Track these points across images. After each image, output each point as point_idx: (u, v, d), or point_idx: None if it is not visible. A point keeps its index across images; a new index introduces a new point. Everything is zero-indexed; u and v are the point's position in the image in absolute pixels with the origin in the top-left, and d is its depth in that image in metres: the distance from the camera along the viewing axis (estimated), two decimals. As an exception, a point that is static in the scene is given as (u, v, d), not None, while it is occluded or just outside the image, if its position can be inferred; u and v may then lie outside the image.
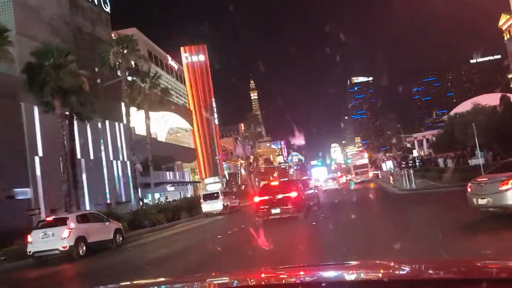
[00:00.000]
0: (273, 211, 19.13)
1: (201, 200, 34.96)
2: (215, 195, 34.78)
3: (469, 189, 10.97)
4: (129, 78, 29.60)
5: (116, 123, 38.75)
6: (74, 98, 22.40)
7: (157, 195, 53.74)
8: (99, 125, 35.95)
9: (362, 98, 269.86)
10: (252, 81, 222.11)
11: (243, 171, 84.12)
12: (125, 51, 27.98)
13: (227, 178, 79.47)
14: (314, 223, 17.92)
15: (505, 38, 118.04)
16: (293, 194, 19.70)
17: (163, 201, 45.20)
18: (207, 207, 33.94)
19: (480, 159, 23.76)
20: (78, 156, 29.81)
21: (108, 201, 36.71)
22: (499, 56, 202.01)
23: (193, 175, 74.25)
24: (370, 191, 38.39)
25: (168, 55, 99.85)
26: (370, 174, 69.14)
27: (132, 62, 29.84)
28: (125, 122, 34.31)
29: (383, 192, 33.52)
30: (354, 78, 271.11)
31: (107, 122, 37.10)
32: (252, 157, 74.51)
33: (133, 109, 48.09)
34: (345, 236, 12.55)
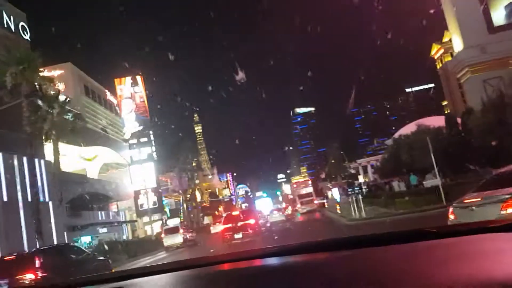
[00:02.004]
0: (236, 236, 22.41)
1: (162, 235, 37.39)
2: (175, 229, 37.59)
3: (451, 216, 7.68)
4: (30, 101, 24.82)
5: (37, 160, 33.48)
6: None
7: (87, 238, 48.23)
8: (14, 161, 30.77)
9: (305, 128, 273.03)
10: (196, 115, 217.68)
11: (185, 207, 79.36)
12: (26, 72, 23.52)
13: (168, 215, 74.33)
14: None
15: (438, 67, 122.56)
16: (252, 221, 24.04)
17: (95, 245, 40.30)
18: (168, 241, 35.61)
19: (439, 179, 21.09)
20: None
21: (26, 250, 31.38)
22: (432, 85, 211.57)
23: (130, 213, 68.66)
24: (316, 223, 35.13)
25: (106, 90, 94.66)
26: (316, 203, 66.67)
27: (36, 85, 25.33)
28: (47, 158, 30.23)
29: (330, 223, 30.25)
30: (296, 108, 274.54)
31: (24, 158, 32.03)
32: (190, 190, 69.85)
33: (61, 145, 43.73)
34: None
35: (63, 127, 26.67)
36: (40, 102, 25.10)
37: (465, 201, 7.42)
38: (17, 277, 11.07)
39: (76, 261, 13.03)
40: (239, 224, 23.04)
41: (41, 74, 24.91)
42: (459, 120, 35.33)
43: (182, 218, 75.86)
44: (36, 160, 30.68)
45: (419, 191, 24.86)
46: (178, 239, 35.58)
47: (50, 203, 32.29)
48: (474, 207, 6.98)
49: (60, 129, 26.59)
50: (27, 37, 42.82)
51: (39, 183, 28.70)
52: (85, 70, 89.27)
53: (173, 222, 58.04)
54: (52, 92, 26.34)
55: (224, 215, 51.23)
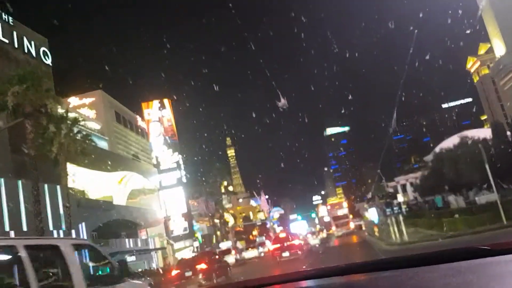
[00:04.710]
0: (283, 254, 26.48)
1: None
2: (228, 250, 44.10)
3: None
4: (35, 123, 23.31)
5: (58, 186, 32.03)
6: None
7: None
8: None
9: (340, 148, 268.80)
10: (228, 138, 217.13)
11: (216, 231, 77.22)
12: (29, 91, 22.08)
13: (200, 241, 72.14)
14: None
15: (475, 81, 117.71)
16: (296, 242, 28.76)
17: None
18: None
19: (496, 194, 17.88)
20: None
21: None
22: (470, 99, 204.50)
23: (161, 240, 66.96)
24: (351, 248, 31.91)
25: (137, 116, 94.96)
26: (352, 225, 63.16)
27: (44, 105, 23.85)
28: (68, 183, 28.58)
29: (367, 248, 27.01)
30: (331, 128, 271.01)
31: (45, 186, 30.77)
32: (218, 214, 67.61)
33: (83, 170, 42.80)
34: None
35: (72, 150, 24.88)
36: (45, 123, 23.49)
37: None
38: None
39: None
40: (286, 244, 27.13)
41: (48, 93, 23.41)
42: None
43: (215, 243, 73.50)
44: (46, 186, 29.27)
45: (469, 209, 21.50)
46: (230, 259, 38.53)
47: (54, 232, 30.45)
48: None
49: (68, 152, 24.84)
50: (48, 61, 42.57)
51: (50, 211, 27.13)
52: (116, 97, 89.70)
53: (226, 244, 60.99)
54: (58, 113, 24.70)
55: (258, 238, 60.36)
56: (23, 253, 4.98)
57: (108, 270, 7.54)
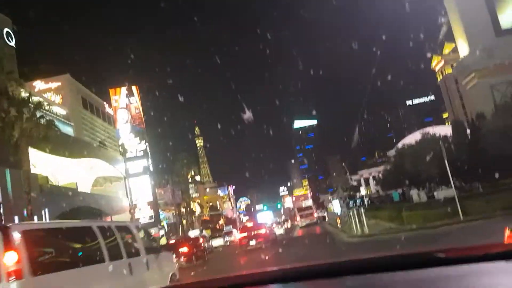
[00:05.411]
0: (251, 242, 27.42)
1: None
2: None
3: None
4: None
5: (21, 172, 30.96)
6: None
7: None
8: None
9: (307, 141, 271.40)
10: (197, 128, 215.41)
11: (182, 220, 76.81)
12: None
13: (166, 229, 71.68)
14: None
15: (438, 80, 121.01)
16: (263, 231, 29.53)
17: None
18: None
19: (453, 189, 18.62)
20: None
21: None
22: (433, 97, 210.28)
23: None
24: (314, 238, 32.62)
25: (105, 102, 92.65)
26: (316, 216, 64.19)
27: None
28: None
29: (329, 239, 27.56)
30: (299, 121, 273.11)
31: (7, 170, 29.76)
32: (185, 203, 67.42)
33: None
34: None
35: (34, 135, 24.20)
36: (6, 106, 22.69)
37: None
38: None
39: None
40: (253, 233, 28.15)
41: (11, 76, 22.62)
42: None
43: (181, 232, 73.16)
44: (8, 171, 28.51)
45: (427, 203, 22.32)
46: None
47: (16, 218, 29.85)
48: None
49: (31, 137, 24.15)
50: (12, 43, 41.15)
51: (12, 196, 26.42)
52: (83, 83, 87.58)
53: (194, 233, 58.08)
54: (21, 97, 23.89)
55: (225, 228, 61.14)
56: (98, 231, 7.53)
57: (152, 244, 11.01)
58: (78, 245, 7.42)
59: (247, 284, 1.93)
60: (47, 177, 46.93)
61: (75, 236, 7.55)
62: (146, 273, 8.63)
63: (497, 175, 23.70)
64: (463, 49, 44.38)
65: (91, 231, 7.44)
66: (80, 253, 7.34)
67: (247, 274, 2.19)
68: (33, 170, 30.20)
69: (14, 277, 5.37)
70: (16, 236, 5.76)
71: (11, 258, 5.42)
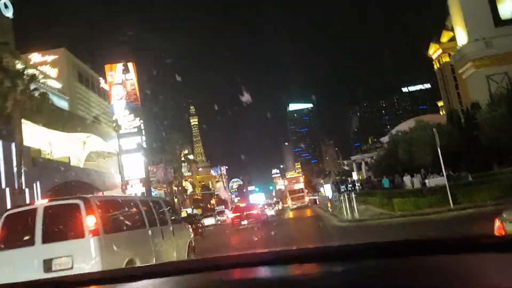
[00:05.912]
0: (243, 222, 28.02)
1: None
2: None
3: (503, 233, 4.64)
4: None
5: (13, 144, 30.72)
6: None
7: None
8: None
9: (302, 124, 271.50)
10: (192, 107, 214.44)
11: (174, 198, 77.02)
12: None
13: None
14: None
15: (435, 67, 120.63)
16: (255, 211, 30.12)
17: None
18: None
19: (445, 178, 18.73)
20: None
21: None
22: (429, 85, 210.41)
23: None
24: (305, 221, 32.84)
25: (100, 78, 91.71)
26: (307, 199, 64.61)
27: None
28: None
29: (319, 222, 27.77)
30: (294, 104, 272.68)
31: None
32: (177, 182, 67.51)
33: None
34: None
35: (27, 107, 23.93)
36: (0, 76, 22.34)
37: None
38: None
39: None
40: (245, 213, 28.65)
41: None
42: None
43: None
44: (0, 142, 28.27)
45: (419, 190, 22.47)
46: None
47: (7, 190, 29.82)
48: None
49: (24, 109, 23.88)
50: (9, 14, 40.65)
51: (3, 168, 26.26)
52: (80, 58, 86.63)
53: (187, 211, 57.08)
54: (16, 68, 23.53)
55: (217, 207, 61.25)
56: (140, 204, 9.90)
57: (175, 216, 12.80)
58: (129, 214, 9.55)
59: (236, 265, 1.91)
60: (39, 150, 46.74)
61: (127, 207, 9.71)
62: (172, 238, 10.75)
63: (490, 166, 23.87)
64: (462, 38, 44.20)
65: (136, 204, 9.91)
66: (131, 220, 9.47)
67: (235, 255, 2.18)
68: (26, 143, 29.93)
69: (92, 234, 7.42)
70: (94, 204, 7.73)
71: (91, 220, 7.44)
